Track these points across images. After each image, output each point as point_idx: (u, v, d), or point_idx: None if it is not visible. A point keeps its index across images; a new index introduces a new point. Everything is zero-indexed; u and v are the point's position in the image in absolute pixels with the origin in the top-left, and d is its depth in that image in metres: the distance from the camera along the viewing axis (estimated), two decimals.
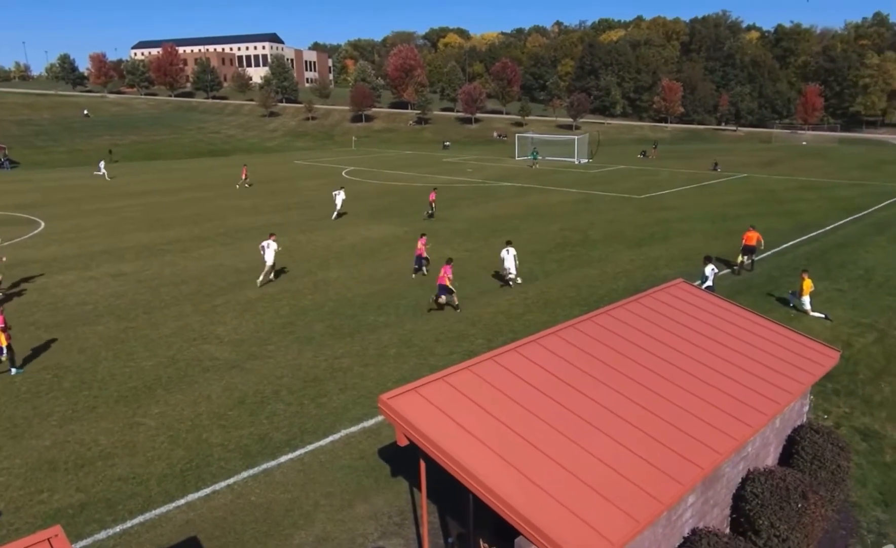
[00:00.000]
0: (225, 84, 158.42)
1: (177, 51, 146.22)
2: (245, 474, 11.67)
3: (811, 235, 31.36)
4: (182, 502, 10.92)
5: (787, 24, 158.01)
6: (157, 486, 11.37)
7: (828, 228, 33.03)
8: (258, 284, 23.38)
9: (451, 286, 20.13)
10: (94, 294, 22.78)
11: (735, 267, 24.89)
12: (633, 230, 32.82)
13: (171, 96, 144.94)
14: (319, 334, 18.44)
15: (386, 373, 15.76)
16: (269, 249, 23.49)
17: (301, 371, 15.98)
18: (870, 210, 38.15)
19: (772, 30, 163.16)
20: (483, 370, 8.99)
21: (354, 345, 17.60)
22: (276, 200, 44.39)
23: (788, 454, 10.66)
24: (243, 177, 53.54)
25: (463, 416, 8.06)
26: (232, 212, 39.84)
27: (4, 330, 16.10)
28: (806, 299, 19.78)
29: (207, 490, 11.21)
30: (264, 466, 11.93)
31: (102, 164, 63.27)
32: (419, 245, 24.66)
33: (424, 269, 24.55)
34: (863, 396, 14.83)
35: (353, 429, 13.19)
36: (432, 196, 38.01)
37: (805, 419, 11.60)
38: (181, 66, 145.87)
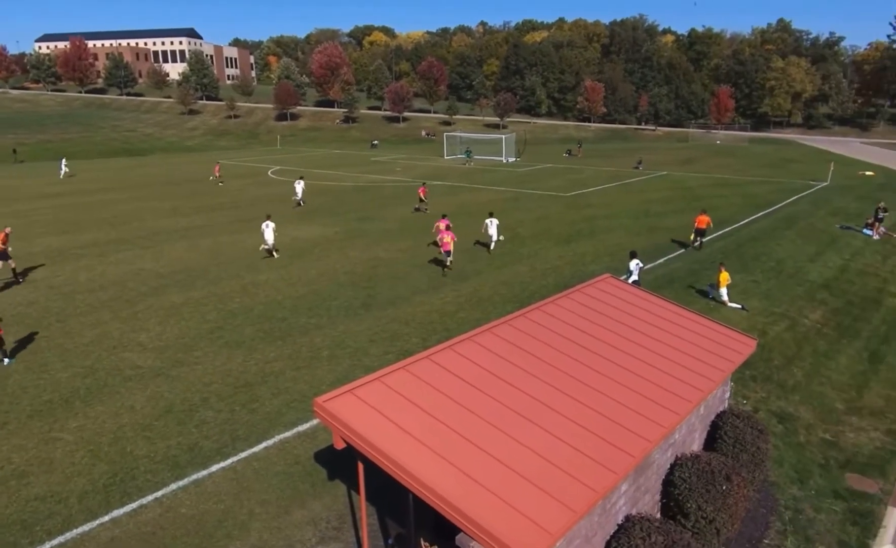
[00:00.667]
0: (140, 81, 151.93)
1: (86, 44, 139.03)
2: (174, 486, 11.26)
3: (727, 229, 32.97)
4: (106, 518, 10.43)
5: (700, 29, 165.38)
6: (77, 503, 10.81)
7: (742, 222, 34.80)
8: (262, 256, 27.21)
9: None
10: (1, 302, 21.41)
11: (693, 245, 29.09)
12: (561, 227, 33.61)
13: (80, 93, 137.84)
14: (249, 338, 17.99)
15: (320, 376, 15.54)
16: (269, 229, 26.85)
17: (231, 377, 15.55)
18: (779, 206, 40.44)
19: (685, 34, 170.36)
20: (419, 369, 9.00)
21: (286, 348, 17.27)
22: (199, 201, 42.96)
23: (712, 439, 11.18)
24: (217, 173, 54.31)
25: (400, 415, 8.06)
26: (151, 213, 38.30)
27: None
28: (723, 291, 20.79)
29: (134, 505, 10.76)
30: (194, 476, 11.55)
31: (63, 162, 60.88)
32: (441, 226, 27.04)
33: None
34: (777, 380, 15.73)
35: (288, 434, 12.94)
36: (422, 190, 39.56)
37: (726, 405, 12.21)
38: (91, 61, 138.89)
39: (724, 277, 20.74)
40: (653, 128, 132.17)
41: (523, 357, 9.74)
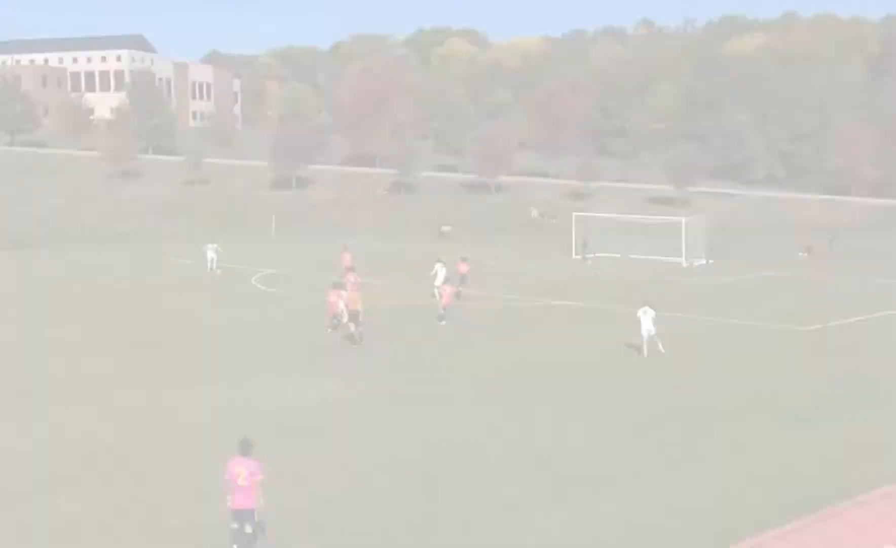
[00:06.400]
0: (45, 120, 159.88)
1: None
2: None
3: None
4: None
5: None
6: None
7: None
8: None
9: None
10: None
11: None
12: (796, 390, 33.10)
13: None
14: None
15: None
16: (647, 317, 38.16)
17: None
18: None
19: None
20: None
21: None
22: (127, 331, 44.09)
23: None
24: (347, 263, 55.78)
25: None
26: (39, 349, 39.52)
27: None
28: None
29: None
30: None
31: (212, 251, 68.57)
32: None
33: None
34: None
35: None
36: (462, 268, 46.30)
37: None
38: None
39: None
40: None
41: None
